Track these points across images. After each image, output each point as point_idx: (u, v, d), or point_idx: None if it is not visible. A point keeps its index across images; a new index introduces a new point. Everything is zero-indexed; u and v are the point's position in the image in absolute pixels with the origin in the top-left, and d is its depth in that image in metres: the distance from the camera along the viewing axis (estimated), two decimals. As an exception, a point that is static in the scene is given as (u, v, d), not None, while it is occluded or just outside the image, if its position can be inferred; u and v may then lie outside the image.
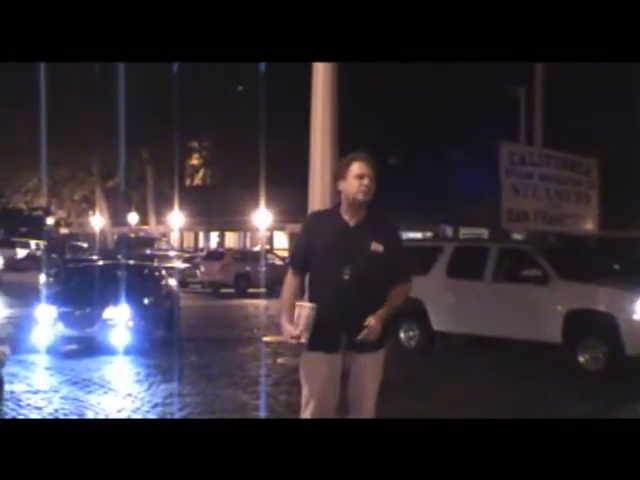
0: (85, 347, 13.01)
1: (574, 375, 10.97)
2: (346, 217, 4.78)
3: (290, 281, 4.89)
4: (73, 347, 13.20)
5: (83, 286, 14.67)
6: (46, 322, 12.98)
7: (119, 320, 13.05)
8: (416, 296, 12.78)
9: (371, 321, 4.60)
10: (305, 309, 4.62)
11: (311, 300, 4.73)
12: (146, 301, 14.38)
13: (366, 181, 4.70)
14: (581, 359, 11.20)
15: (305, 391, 4.81)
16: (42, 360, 12.05)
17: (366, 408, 4.79)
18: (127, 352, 12.74)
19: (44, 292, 18.12)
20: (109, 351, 12.71)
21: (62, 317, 13.06)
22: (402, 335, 13.44)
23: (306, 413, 4.75)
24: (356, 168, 4.74)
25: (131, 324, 13.14)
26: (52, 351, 12.69)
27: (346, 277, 4.63)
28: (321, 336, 4.67)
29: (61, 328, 12.99)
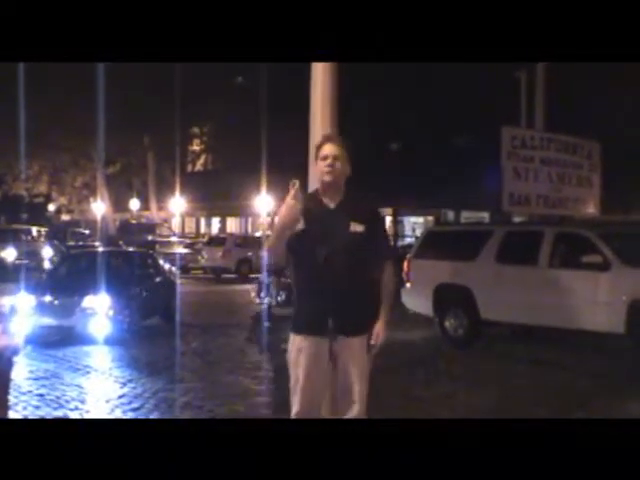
0: (66, 336, 12.57)
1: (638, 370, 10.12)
2: (325, 199, 4.75)
3: None
4: (54, 337, 12.63)
5: (67, 275, 14.46)
6: (26, 311, 12.50)
7: (99, 309, 12.70)
8: (463, 283, 12.53)
9: (379, 330, 4.62)
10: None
11: (295, 285, 4.76)
12: (132, 289, 14.00)
13: (330, 161, 4.67)
14: None
15: (293, 377, 4.78)
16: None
17: (358, 394, 4.64)
18: (116, 341, 12.46)
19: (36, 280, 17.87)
20: (95, 340, 12.42)
21: (41, 306, 12.74)
22: (447, 324, 12.71)
23: (295, 399, 4.71)
24: (323, 150, 4.74)
25: (111, 313, 12.78)
26: (31, 340, 12.13)
27: (325, 259, 4.55)
28: (307, 319, 4.67)
29: (40, 317, 12.58)
